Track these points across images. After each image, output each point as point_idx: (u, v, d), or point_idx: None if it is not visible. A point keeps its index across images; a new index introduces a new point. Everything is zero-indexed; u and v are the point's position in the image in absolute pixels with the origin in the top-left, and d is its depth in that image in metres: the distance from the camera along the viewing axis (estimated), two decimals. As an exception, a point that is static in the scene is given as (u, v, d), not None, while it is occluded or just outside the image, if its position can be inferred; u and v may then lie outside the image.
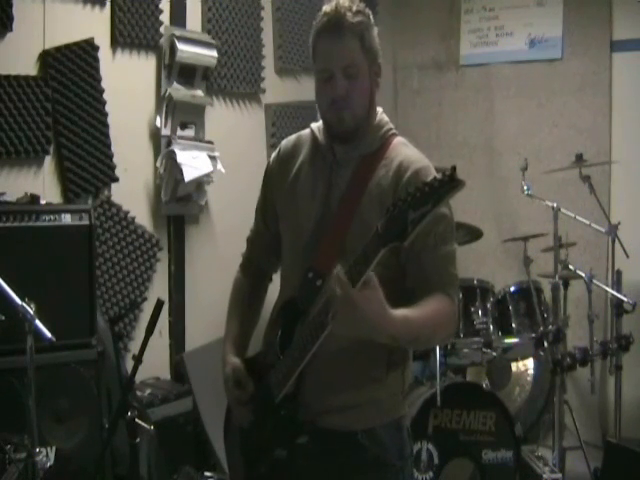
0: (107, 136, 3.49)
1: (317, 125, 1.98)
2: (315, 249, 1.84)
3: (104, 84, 3.46)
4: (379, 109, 1.94)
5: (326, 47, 1.82)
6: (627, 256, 3.99)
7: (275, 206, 2.00)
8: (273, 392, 1.83)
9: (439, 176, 1.45)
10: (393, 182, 1.81)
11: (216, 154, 3.94)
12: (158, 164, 3.76)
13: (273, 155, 2.05)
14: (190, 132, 3.92)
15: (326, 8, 1.83)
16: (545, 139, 4.94)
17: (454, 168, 1.43)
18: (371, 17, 1.84)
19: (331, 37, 1.80)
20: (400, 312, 1.62)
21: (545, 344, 3.69)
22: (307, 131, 2.01)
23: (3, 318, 2.30)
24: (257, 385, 1.89)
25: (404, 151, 1.88)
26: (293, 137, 2.04)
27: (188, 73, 3.85)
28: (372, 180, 1.83)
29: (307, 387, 1.81)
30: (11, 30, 3.07)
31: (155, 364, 3.68)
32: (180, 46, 3.73)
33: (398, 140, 1.92)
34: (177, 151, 3.74)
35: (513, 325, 3.89)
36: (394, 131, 1.93)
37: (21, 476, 2.25)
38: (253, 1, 4.33)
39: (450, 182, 1.43)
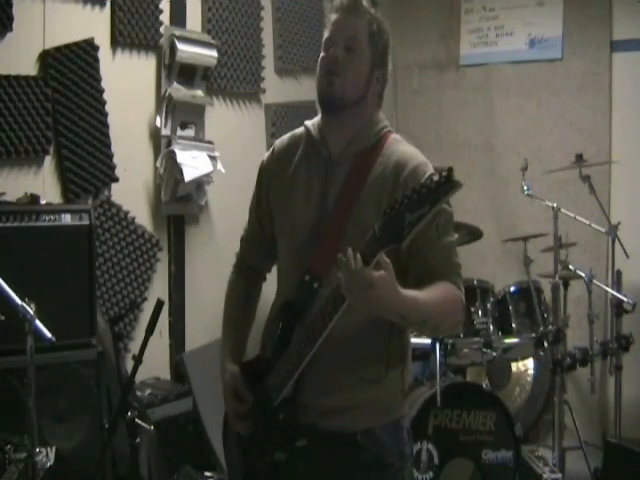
0: (107, 136, 3.49)
1: (312, 122, 1.96)
2: (312, 251, 1.82)
3: (104, 84, 3.46)
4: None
5: (335, 20, 1.87)
6: (627, 256, 3.99)
7: (270, 207, 1.98)
8: (271, 395, 1.82)
9: (435, 177, 1.44)
10: (391, 179, 1.80)
11: (216, 154, 3.94)
12: (158, 164, 3.76)
13: (267, 155, 2.03)
14: (190, 132, 3.92)
15: None
16: (545, 139, 4.93)
17: (451, 169, 1.42)
18: (388, 31, 1.91)
19: (343, 12, 1.87)
20: (410, 292, 1.63)
21: (545, 344, 3.69)
22: (301, 129, 1.99)
23: (3, 318, 2.30)
24: (255, 388, 1.88)
25: (401, 148, 1.87)
26: (287, 136, 2.02)
27: (188, 73, 3.85)
28: (369, 177, 1.82)
29: (306, 389, 1.80)
30: (11, 30, 3.07)
31: (155, 364, 3.68)
32: (180, 46, 3.73)
33: (393, 137, 1.91)
34: (177, 151, 3.74)
35: (513, 325, 3.89)
36: (389, 128, 1.92)
37: (21, 476, 2.24)
38: (253, 1, 4.33)
39: (447, 183, 1.42)
